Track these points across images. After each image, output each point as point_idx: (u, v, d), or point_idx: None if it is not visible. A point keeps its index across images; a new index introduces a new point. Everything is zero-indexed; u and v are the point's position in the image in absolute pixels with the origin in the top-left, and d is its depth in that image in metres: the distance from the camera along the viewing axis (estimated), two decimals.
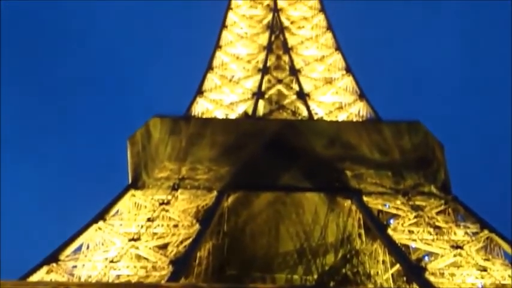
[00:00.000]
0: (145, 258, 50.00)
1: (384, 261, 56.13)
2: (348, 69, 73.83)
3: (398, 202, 57.21)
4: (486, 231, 52.63)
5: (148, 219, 53.55)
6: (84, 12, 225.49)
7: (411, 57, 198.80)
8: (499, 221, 56.07)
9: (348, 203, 58.23)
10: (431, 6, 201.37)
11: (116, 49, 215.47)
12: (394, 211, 56.81)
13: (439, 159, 61.96)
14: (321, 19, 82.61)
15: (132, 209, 56.62)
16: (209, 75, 72.85)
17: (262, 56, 75.49)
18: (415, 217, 54.30)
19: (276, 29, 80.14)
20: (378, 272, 57.17)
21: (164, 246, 52.33)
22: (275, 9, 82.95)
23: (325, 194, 59.82)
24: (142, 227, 52.79)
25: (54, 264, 48.64)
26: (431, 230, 52.88)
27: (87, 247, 51.41)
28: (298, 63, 75.07)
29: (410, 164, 61.09)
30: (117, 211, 56.19)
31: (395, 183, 59.40)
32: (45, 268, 48.22)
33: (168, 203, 55.58)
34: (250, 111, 66.57)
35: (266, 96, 69.88)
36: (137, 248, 50.38)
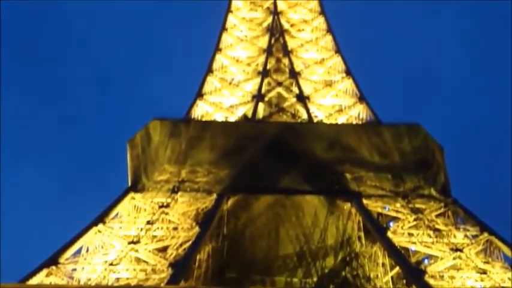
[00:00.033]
0: (144, 261, 49.99)
1: (383, 264, 56.16)
2: (348, 72, 73.87)
3: (398, 205, 57.23)
4: (486, 234, 52.62)
5: (148, 222, 53.55)
6: (85, 13, 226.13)
7: (411, 58, 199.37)
8: (498, 224, 56.13)
9: (347, 205, 58.22)
10: (431, 7, 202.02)
11: (116, 51, 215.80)
12: (393, 214, 56.86)
13: (439, 162, 61.98)
14: (320, 22, 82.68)
15: (132, 212, 56.63)
16: (209, 78, 72.89)
17: (262, 58, 75.53)
18: (415, 220, 54.30)
19: (276, 31, 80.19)
20: (377, 275, 57.20)
21: (164, 249, 52.38)
22: (275, 12, 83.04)
23: (325, 196, 59.82)
24: (142, 229, 52.77)
25: (54, 267, 48.62)
26: (431, 232, 52.87)
27: (87, 250, 51.41)
28: (298, 66, 75.11)
29: (410, 166, 61.11)
30: (117, 214, 56.16)
31: (395, 186, 59.40)
32: (44, 271, 48.20)
33: (167, 205, 55.57)
34: (250, 114, 66.59)
35: (266, 99, 69.91)
36: (137, 250, 50.37)
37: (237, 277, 59.38)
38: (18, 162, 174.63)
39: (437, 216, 55.57)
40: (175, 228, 53.44)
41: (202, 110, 68.92)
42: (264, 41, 78.66)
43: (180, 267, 47.99)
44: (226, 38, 79.61)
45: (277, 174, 59.17)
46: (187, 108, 68.81)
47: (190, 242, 51.13)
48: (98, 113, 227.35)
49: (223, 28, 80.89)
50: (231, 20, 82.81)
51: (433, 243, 52.16)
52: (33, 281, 46.91)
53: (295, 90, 70.54)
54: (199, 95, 70.24)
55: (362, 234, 57.85)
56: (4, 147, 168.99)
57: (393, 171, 60.60)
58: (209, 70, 73.93)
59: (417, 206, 56.43)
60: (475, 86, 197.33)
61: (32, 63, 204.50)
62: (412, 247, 53.95)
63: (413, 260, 54.65)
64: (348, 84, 72.49)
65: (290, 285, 61.44)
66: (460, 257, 49.57)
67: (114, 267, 48.66)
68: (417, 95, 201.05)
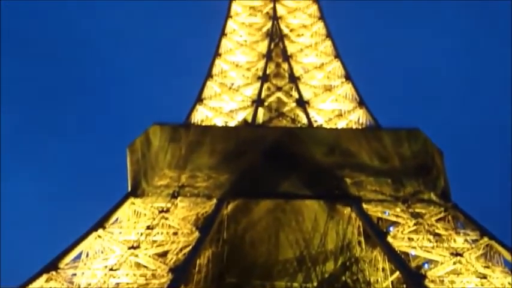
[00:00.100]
0: (144, 266, 50.03)
1: (383, 269, 56.18)
2: (348, 77, 73.93)
3: (398, 209, 57.21)
4: (486, 239, 52.60)
5: (148, 227, 53.55)
6: (84, 16, 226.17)
7: (410, 60, 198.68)
8: (498, 229, 56.14)
9: (347, 210, 58.21)
10: (431, 8, 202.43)
11: (116, 54, 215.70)
12: (393, 218, 56.80)
13: (439, 167, 61.99)
14: (320, 27, 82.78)
15: (132, 217, 56.62)
16: (209, 83, 72.94)
17: (262, 63, 75.60)
18: (415, 224, 54.29)
19: (276, 36, 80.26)
20: (377, 280, 57.19)
21: (164, 254, 52.36)
22: (274, 17, 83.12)
23: (324, 201, 59.80)
24: (141, 234, 52.78)
25: (54, 273, 48.67)
26: (431, 237, 52.87)
27: (87, 255, 51.45)
28: (298, 71, 75.20)
29: (410, 171, 61.12)
30: (117, 219, 56.17)
31: (395, 190, 59.39)
32: (44, 276, 48.26)
33: (167, 210, 55.58)
34: (249, 119, 66.64)
35: (266, 103, 69.93)
36: (137, 255, 50.41)
37: (237, 282, 59.39)
38: (18, 167, 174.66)
39: (437, 220, 55.55)
40: (175, 233, 53.43)
41: (202, 115, 68.96)
42: (263, 46, 78.74)
43: (180, 272, 48.01)
44: (225, 43, 79.70)
45: (277, 179, 59.19)
46: (187, 113, 68.85)
47: (190, 247, 51.16)
48: (98, 117, 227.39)
49: (223, 33, 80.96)
50: (231, 25, 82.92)
51: (433, 247, 52.14)
52: (33, 286, 47.06)
53: (295, 95, 70.60)
54: (199, 99, 70.27)
55: (362, 238, 57.83)
56: (4, 152, 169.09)
57: (393, 175, 60.60)
58: (209, 75, 73.96)
59: (417, 210, 56.43)
60: (475, 89, 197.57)
61: (31, 65, 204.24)
62: (412, 252, 53.93)
63: (413, 264, 54.56)
64: (348, 88, 72.55)
65: None
66: (460, 262, 49.58)
67: (114, 272, 48.65)
68: (417, 98, 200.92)
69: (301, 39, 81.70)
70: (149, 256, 50.45)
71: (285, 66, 75.69)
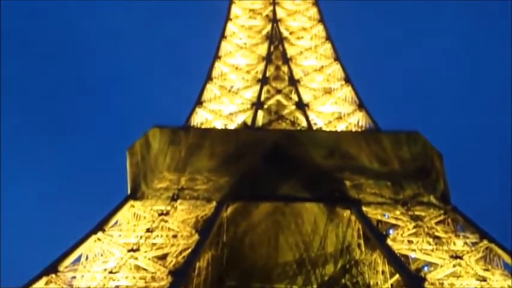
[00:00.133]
0: (144, 269, 50.00)
1: (383, 272, 56.17)
2: (347, 79, 73.97)
3: (397, 212, 57.22)
4: (485, 242, 52.61)
5: (148, 230, 53.55)
6: (84, 16, 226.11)
7: (410, 61, 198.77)
8: (498, 231, 56.17)
9: (347, 213, 58.18)
10: (431, 8, 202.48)
11: (116, 54, 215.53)
12: (393, 221, 56.84)
13: (438, 169, 62.03)
14: (320, 29, 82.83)
15: (131, 220, 56.63)
16: (208, 86, 72.96)
17: (262, 66, 75.64)
18: (415, 227, 54.30)
19: (275, 39, 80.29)
20: (377, 282, 57.19)
21: (163, 257, 52.42)
22: (274, 20, 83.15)
23: (324, 204, 59.75)
24: (141, 237, 52.78)
25: (53, 275, 48.66)
26: (431, 240, 52.86)
27: (86, 258, 51.42)
28: (298, 74, 75.19)
29: (409, 174, 61.13)
30: (116, 222, 56.18)
31: (395, 193, 59.40)
32: (44, 279, 48.24)
33: (167, 213, 55.59)
34: (249, 122, 66.68)
35: (265, 106, 69.98)
36: (136, 258, 50.39)
37: (236, 285, 59.38)
38: (18, 169, 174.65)
39: (436, 223, 55.59)
40: (174, 236, 53.43)
41: (201, 118, 68.97)
42: (263, 49, 78.79)
43: (180, 275, 48.02)
44: (225, 46, 79.72)
45: (276, 182, 59.17)
46: (186, 113, 68.94)
47: (189, 250, 51.17)
48: (98, 117, 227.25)
49: (223, 36, 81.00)
50: (230, 27, 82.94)
51: (432, 250, 52.14)
52: None
53: (295, 97, 70.62)
54: (199, 102, 70.29)
55: (362, 241, 57.82)
56: (4, 154, 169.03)
57: (393, 178, 60.62)
58: (208, 78, 74.01)
59: (417, 213, 56.42)
60: (475, 89, 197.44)
61: (32, 65, 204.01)
62: (412, 254, 53.97)
63: (413, 267, 54.68)
64: (347, 91, 72.58)
65: None
66: (459, 265, 49.55)
67: (114, 275, 48.66)
68: (416, 99, 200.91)
69: (300, 41, 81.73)
70: (149, 259, 50.44)
71: (285, 69, 75.75)
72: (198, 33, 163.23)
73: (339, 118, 69.42)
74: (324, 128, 67.08)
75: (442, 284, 48.00)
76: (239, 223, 59.79)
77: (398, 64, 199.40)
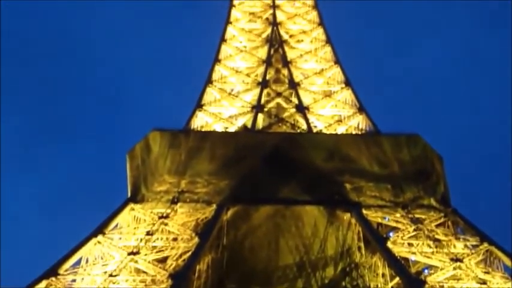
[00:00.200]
0: (144, 272, 50.01)
1: (383, 275, 56.10)
2: (347, 82, 74.01)
3: (397, 215, 57.23)
4: (486, 244, 52.60)
5: (148, 233, 53.55)
6: (84, 16, 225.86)
7: (410, 62, 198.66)
8: (498, 234, 56.13)
9: (347, 216, 58.19)
10: (431, 8, 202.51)
11: (117, 58, 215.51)
12: (393, 224, 56.82)
13: (438, 172, 61.98)
14: (320, 33, 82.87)
15: (132, 223, 56.64)
16: (208, 89, 72.99)
17: (262, 69, 75.67)
18: (415, 230, 54.31)
19: (275, 42, 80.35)
20: (377, 285, 57.10)
21: (163, 260, 52.38)
22: (274, 23, 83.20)
23: (324, 207, 59.78)
24: (141, 240, 52.78)
25: (53, 278, 48.70)
26: (431, 243, 52.86)
27: (86, 261, 51.44)
28: (298, 77, 75.25)
29: (409, 176, 61.07)
30: (116, 225, 56.22)
31: (395, 196, 59.39)
32: (44, 282, 48.27)
33: (167, 216, 55.60)
34: (249, 125, 66.67)
35: (265, 109, 69.98)
36: (136, 261, 50.41)
37: None
38: (18, 172, 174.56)
39: (437, 226, 55.59)
40: (175, 239, 53.44)
41: (201, 121, 68.99)
42: (263, 52, 78.82)
43: (180, 278, 48.01)
44: (225, 49, 79.77)
45: (276, 185, 59.19)
46: (186, 114, 69.00)
47: (190, 253, 51.17)
48: (98, 122, 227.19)
49: (223, 39, 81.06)
50: (230, 31, 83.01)
51: (433, 253, 52.13)
52: None
53: (295, 100, 70.67)
54: (199, 105, 70.30)
55: (362, 244, 57.79)
56: (4, 157, 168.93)
57: (393, 181, 60.58)
58: (208, 81, 74.04)
59: (417, 216, 56.45)
60: (475, 90, 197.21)
61: (32, 69, 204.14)
62: (412, 257, 53.91)
63: (413, 270, 54.48)
64: (347, 94, 72.63)
65: None
66: (460, 267, 49.57)
67: (114, 278, 48.63)
68: (416, 99, 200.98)
69: (300, 45, 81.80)
70: (149, 262, 50.43)
71: (285, 72, 75.79)
72: (198, 32, 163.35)
73: (339, 121, 69.40)
74: (324, 131, 67.02)
75: (443, 286, 48.00)
76: (239, 226, 59.78)
77: (399, 65, 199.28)
